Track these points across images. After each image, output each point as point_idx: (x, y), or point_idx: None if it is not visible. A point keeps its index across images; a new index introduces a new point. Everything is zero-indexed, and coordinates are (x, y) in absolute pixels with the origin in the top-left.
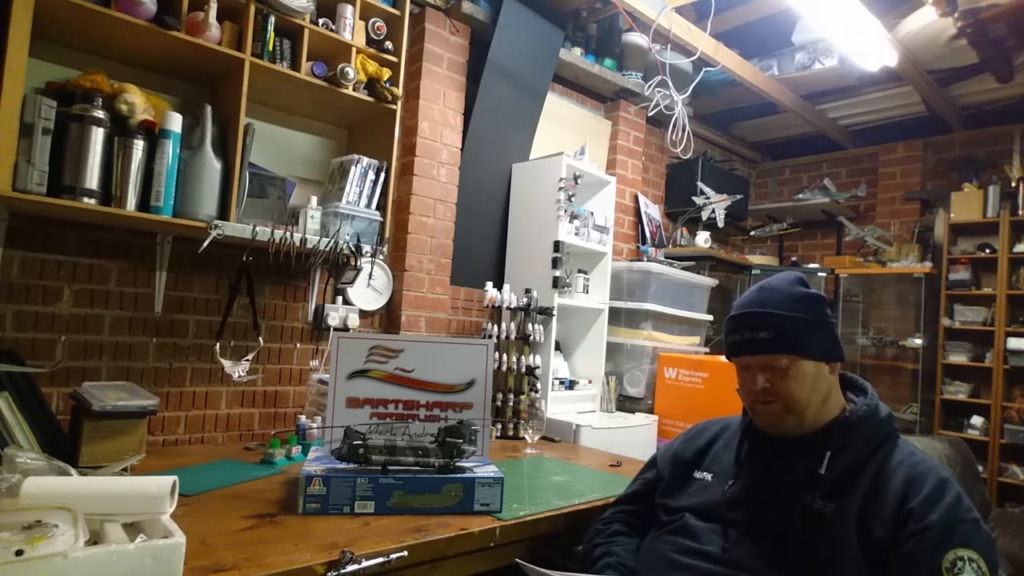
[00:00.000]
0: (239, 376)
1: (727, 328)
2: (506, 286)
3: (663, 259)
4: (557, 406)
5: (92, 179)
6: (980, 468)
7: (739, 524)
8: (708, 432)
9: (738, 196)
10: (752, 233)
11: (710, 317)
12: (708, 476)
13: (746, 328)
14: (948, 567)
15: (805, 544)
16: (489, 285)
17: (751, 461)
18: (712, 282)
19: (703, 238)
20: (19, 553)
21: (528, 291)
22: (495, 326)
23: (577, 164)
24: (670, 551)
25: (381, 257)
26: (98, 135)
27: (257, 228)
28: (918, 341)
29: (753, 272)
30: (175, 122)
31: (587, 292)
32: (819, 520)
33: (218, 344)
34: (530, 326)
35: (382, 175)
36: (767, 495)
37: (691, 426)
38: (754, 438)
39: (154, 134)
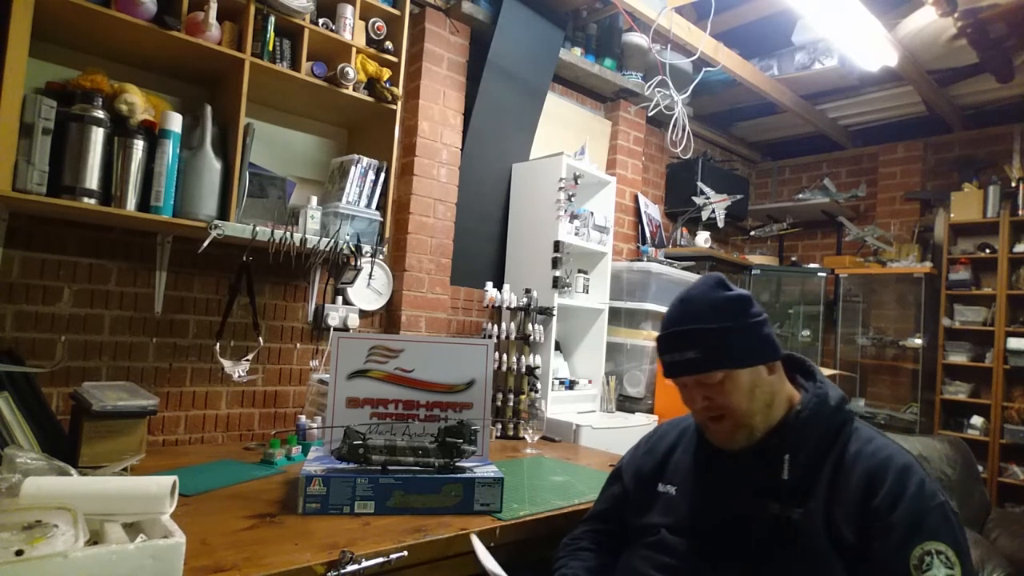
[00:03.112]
0: (239, 376)
1: (657, 348)
2: (506, 286)
3: (663, 259)
4: (557, 406)
5: (92, 179)
6: (980, 468)
7: (712, 538)
8: (667, 439)
9: (738, 196)
10: (752, 233)
11: None
12: (672, 489)
13: (673, 348)
14: (916, 564)
15: (780, 554)
16: (489, 285)
17: (712, 473)
18: None
19: (703, 238)
20: (19, 553)
21: (528, 291)
22: (495, 326)
23: (577, 164)
24: (648, 568)
25: (381, 257)
26: (98, 135)
27: (257, 228)
28: (918, 341)
29: (753, 272)
30: (175, 122)
31: (587, 292)
32: (789, 528)
33: (218, 344)
34: (530, 326)
35: (382, 175)
36: (734, 506)
37: (651, 430)
38: (711, 448)
39: (154, 134)
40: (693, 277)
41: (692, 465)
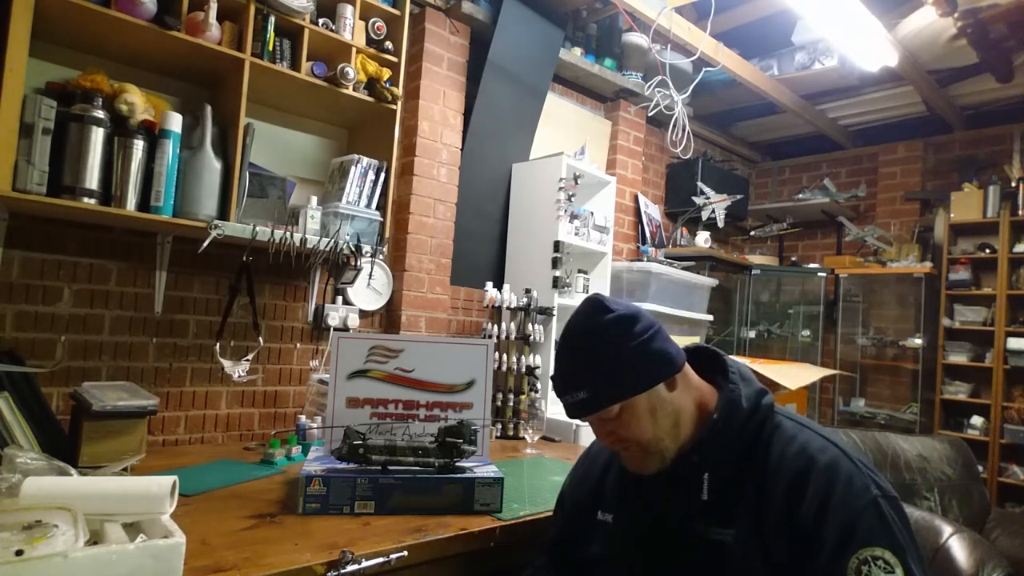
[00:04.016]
0: (239, 376)
1: (554, 390)
2: (506, 286)
3: (663, 259)
4: (557, 406)
5: (92, 179)
6: (980, 468)
7: (651, 568)
8: (600, 459)
9: (738, 196)
10: (752, 233)
11: (710, 317)
12: (609, 517)
13: (564, 392)
14: None
15: None
16: (489, 285)
17: (641, 498)
18: (712, 282)
19: (703, 238)
20: (19, 553)
21: (528, 291)
22: (495, 326)
23: (577, 164)
24: None
25: (381, 257)
26: (98, 135)
27: (257, 228)
28: (918, 341)
29: (753, 272)
30: (175, 122)
31: (587, 292)
32: (722, 552)
33: (218, 344)
34: (530, 326)
35: (382, 175)
36: (666, 533)
37: (585, 450)
38: (636, 475)
39: (154, 134)
40: (693, 277)
41: (622, 490)
